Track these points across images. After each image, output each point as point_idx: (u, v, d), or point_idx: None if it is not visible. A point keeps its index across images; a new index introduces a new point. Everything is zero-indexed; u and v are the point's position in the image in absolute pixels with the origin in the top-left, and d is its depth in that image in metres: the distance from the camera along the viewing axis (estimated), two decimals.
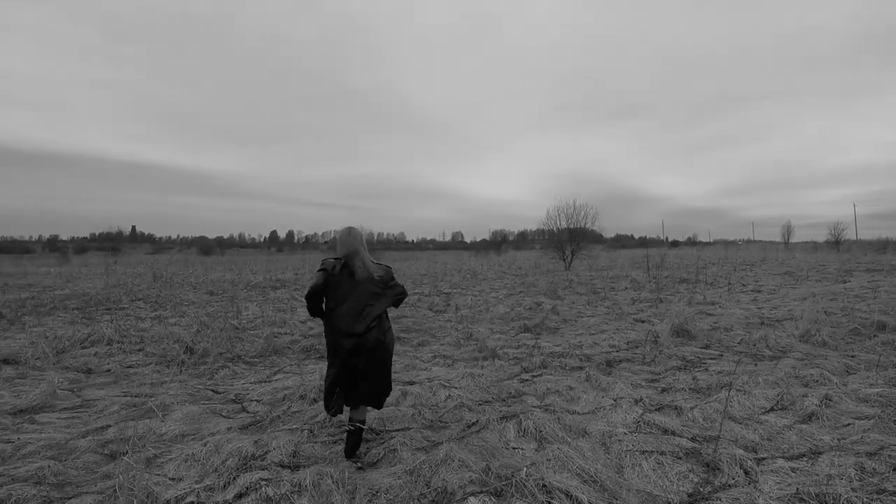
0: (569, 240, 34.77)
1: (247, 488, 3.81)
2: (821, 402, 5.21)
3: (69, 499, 3.85)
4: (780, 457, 4.14)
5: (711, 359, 7.34)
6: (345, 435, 4.83)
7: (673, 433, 4.68)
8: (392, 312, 12.52)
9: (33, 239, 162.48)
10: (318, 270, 4.41)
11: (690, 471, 3.98)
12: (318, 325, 10.89)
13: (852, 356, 7.19)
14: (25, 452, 4.63)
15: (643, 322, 10.71)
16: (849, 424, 4.71)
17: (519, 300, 14.72)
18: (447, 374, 6.96)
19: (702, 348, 8.02)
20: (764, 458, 4.11)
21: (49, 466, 4.28)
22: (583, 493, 3.63)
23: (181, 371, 7.45)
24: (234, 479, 3.99)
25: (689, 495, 3.64)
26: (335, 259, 4.53)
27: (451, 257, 66.21)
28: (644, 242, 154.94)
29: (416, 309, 13.53)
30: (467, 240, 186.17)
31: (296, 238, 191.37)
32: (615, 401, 5.59)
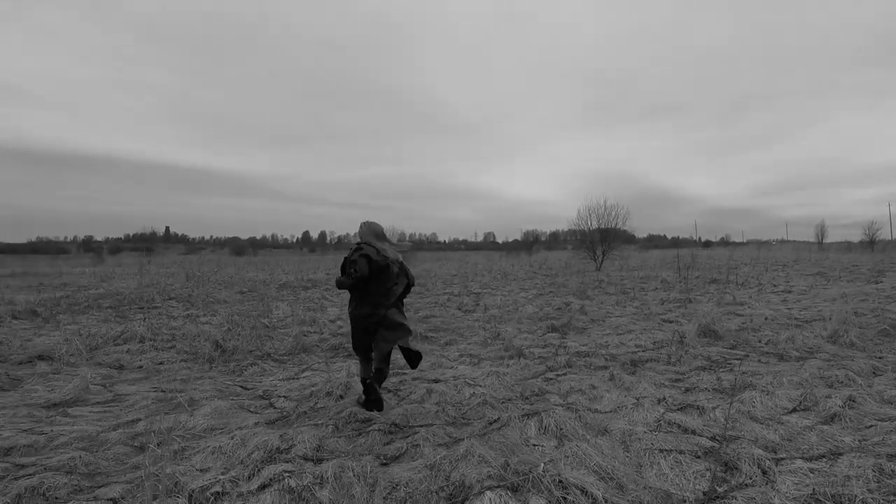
0: (600, 240, 34.59)
1: (270, 479, 3.92)
2: (844, 403, 5.16)
3: (99, 487, 4.00)
4: (799, 457, 4.12)
5: (737, 359, 7.29)
6: (368, 412, 5.40)
7: (693, 432, 4.69)
8: (422, 312, 12.62)
9: (68, 239, 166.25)
10: (361, 256, 5.15)
11: (708, 470, 3.99)
12: (346, 324, 11.04)
13: (880, 357, 7.09)
14: (58, 444, 4.81)
15: (671, 322, 10.65)
16: (871, 426, 4.67)
17: (548, 300, 14.72)
18: (473, 372, 7.03)
19: (728, 349, 7.97)
20: (783, 459, 4.10)
21: (80, 457, 4.44)
22: (598, 490, 3.67)
23: (211, 368, 7.63)
24: (259, 470, 4.11)
25: (705, 493, 3.66)
26: (366, 244, 5.32)
27: (483, 258, 66.26)
28: (676, 243, 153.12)
29: (446, 309, 13.61)
30: (499, 240, 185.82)
31: (328, 238, 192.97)
32: (637, 400, 5.60)
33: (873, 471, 3.76)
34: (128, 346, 8.91)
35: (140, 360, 8.08)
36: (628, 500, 3.61)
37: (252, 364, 7.79)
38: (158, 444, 4.67)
